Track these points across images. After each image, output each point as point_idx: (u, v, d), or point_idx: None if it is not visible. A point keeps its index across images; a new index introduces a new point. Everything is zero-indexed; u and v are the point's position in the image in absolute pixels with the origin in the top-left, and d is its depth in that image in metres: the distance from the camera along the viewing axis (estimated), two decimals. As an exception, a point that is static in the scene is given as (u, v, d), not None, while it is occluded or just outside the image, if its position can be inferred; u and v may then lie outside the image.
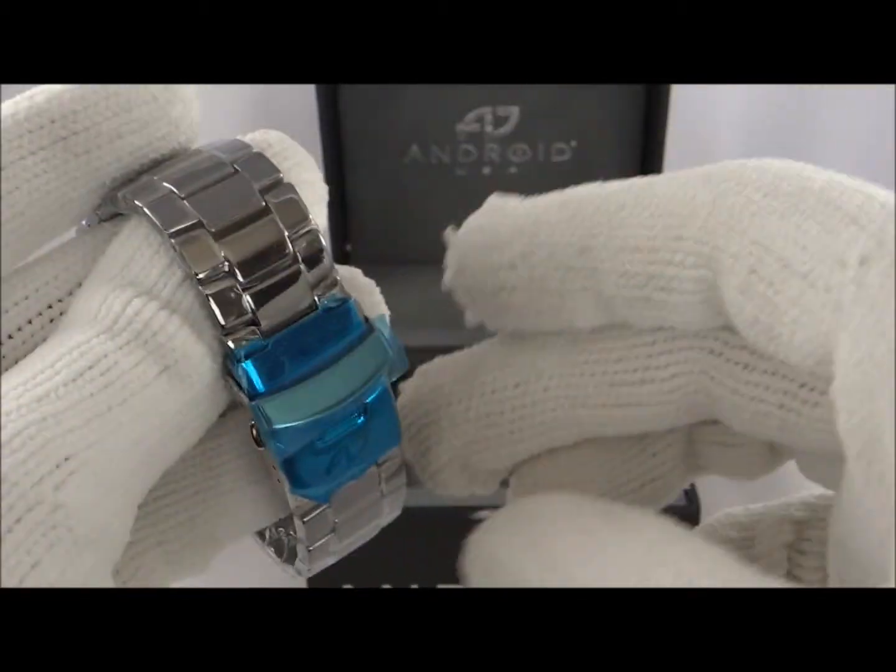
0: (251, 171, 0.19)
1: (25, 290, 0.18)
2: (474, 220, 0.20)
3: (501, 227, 0.19)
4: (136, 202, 0.18)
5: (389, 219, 0.67)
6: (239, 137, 0.20)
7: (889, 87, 0.68)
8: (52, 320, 0.18)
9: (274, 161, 0.19)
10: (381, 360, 0.19)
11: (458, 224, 0.22)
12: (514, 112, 0.67)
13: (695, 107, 0.72)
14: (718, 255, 0.16)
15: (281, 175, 0.19)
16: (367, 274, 0.21)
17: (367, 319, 0.19)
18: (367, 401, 0.19)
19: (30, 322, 0.18)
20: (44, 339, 0.17)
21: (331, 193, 0.20)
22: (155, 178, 0.18)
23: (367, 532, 0.21)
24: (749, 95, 0.75)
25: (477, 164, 0.68)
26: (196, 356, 0.17)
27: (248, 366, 0.18)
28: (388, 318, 0.20)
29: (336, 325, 0.18)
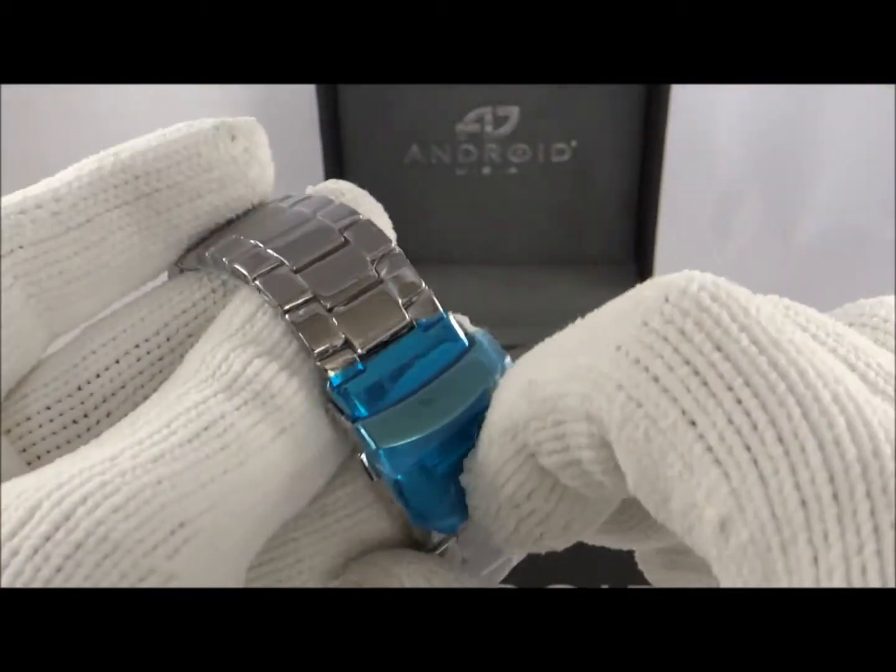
0: (362, 241, 0.18)
1: (111, 333, 0.18)
2: None
3: (480, 496, 0.18)
4: (243, 270, 0.18)
5: (389, 218, 0.67)
6: (312, 190, 0.20)
7: (889, 87, 0.68)
8: (138, 359, 0.18)
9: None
10: (486, 375, 0.18)
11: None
12: (514, 112, 0.67)
13: (695, 107, 0.72)
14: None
15: (392, 245, 0.19)
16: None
17: (467, 334, 0.18)
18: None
19: (117, 362, 0.18)
20: (131, 378, 0.18)
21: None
22: (241, 237, 0.18)
23: (499, 568, 0.20)
24: (749, 95, 0.75)
25: (477, 164, 0.68)
26: (312, 418, 0.17)
27: (349, 389, 0.17)
28: (488, 333, 0.19)
29: (434, 341, 0.18)
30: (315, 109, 0.64)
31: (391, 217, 0.21)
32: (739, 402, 0.13)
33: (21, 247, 0.17)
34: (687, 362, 0.14)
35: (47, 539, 0.14)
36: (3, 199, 0.17)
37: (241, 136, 0.19)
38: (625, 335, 0.15)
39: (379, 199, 0.21)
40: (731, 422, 0.13)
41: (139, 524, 0.14)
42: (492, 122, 0.67)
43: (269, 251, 0.18)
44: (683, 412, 0.14)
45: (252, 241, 0.18)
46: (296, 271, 0.18)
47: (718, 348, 0.14)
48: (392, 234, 0.20)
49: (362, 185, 0.20)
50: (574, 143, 0.68)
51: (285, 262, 0.18)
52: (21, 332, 0.17)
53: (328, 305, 0.17)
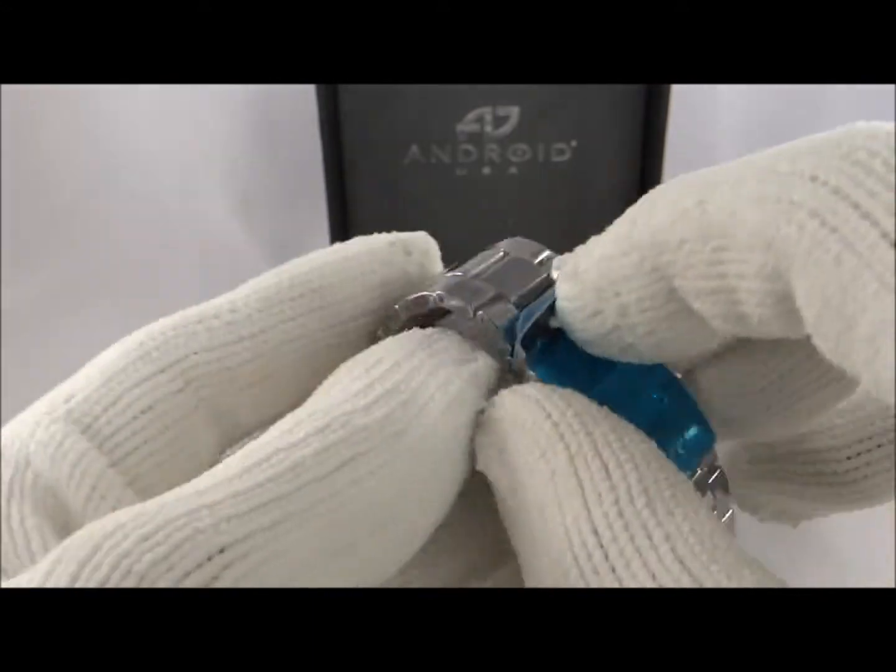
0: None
1: None
2: (561, 292, 0.19)
3: (584, 299, 0.18)
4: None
5: (389, 219, 0.67)
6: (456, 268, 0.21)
7: (889, 87, 0.68)
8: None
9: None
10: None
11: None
12: (514, 112, 0.67)
13: (695, 107, 0.72)
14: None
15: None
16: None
17: None
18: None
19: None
20: None
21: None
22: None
23: None
24: (749, 95, 0.75)
25: (477, 164, 0.68)
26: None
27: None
28: None
29: None
30: (315, 109, 0.64)
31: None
32: None
33: (195, 353, 0.18)
34: (889, 187, 0.14)
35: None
36: (182, 311, 0.18)
37: (416, 252, 0.20)
38: (823, 166, 0.15)
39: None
40: None
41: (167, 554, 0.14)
42: (492, 122, 0.67)
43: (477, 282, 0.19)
44: (884, 234, 0.14)
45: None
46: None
47: None
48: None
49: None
50: (574, 143, 0.68)
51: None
52: (189, 432, 0.18)
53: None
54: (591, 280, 0.18)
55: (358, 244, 0.20)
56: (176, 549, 0.14)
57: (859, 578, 0.62)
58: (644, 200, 0.18)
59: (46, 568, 0.13)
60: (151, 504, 0.14)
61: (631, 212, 0.18)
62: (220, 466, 0.15)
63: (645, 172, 0.72)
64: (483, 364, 0.18)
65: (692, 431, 0.19)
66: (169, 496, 0.15)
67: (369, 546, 0.16)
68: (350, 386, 0.17)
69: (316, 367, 0.19)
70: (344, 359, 0.18)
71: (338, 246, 0.20)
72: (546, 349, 0.18)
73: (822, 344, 0.14)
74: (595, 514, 0.15)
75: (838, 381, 0.20)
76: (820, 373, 0.20)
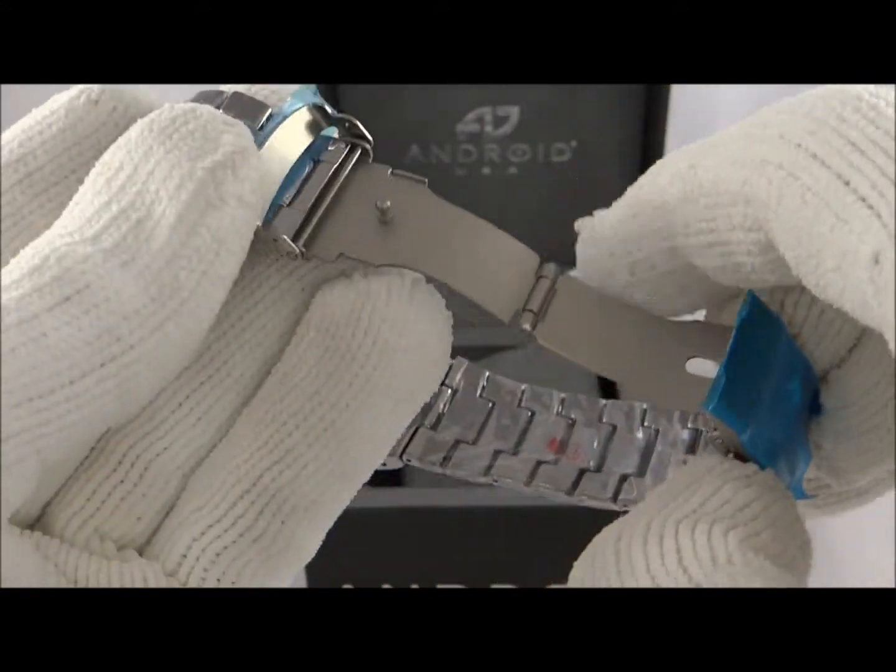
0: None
1: None
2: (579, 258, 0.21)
3: (599, 259, 0.20)
4: None
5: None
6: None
7: (889, 88, 0.68)
8: None
9: None
10: None
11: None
12: (514, 112, 0.67)
13: (695, 107, 0.72)
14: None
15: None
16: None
17: None
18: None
19: None
20: None
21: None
22: None
23: None
24: (749, 95, 0.75)
25: (477, 164, 0.68)
26: None
27: None
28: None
29: None
30: (315, 109, 0.64)
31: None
32: (890, 157, 0.15)
33: None
34: (842, 136, 0.16)
35: None
36: None
37: (103, 101, 0.19)
38: (788, 125, 0.16)
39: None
40: (883, 174, 0.15)
41: None
42: (492, 122, 0.67)
43: None
44: (838, 175, 0.15)
45: None
46: None
47: (874, 124, 0.16)
48: None
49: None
50: (574, 143, 0.68)
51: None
52: None
53: None
54: (605, 242, 0.20)
55: (47, 105, 0.19)
56: None
57: (859, 578, 0.62)
58: (651, 168, 0.20)
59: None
60: None
61: (640, 179, 0.20)
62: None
63: (645, 172, 0.72)
64: (230, 147, 0.17)
65: None
66: None
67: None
68: (87, 206, 0.17)
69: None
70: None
71: (33, 111, 0.19)
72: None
73: (807, 283, 0.16)
74: None
75: None
76: None
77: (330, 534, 0.20)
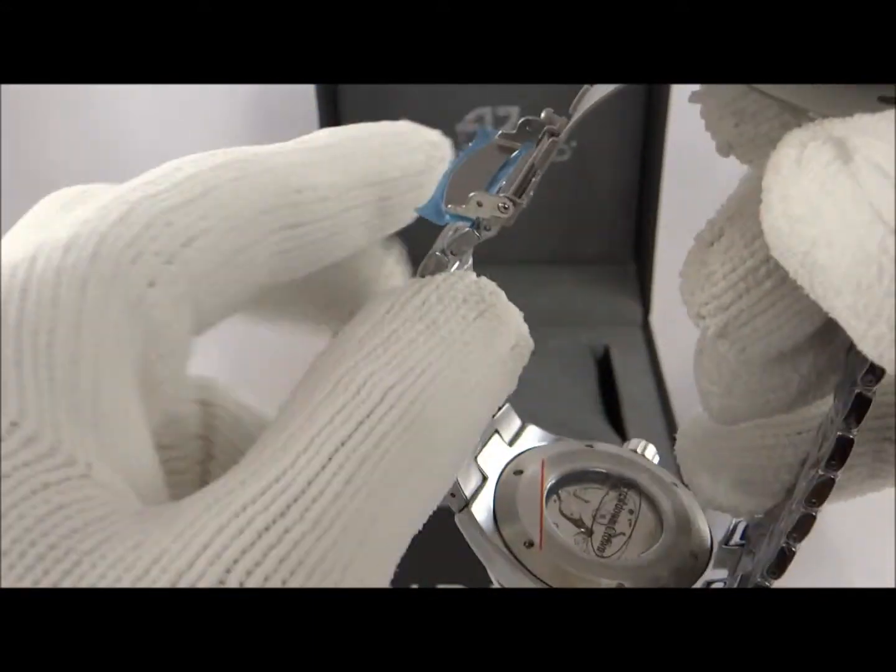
0: None
1: None
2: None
3: None
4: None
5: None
6: None
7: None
8: None
9: None
10: None
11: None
12: (514, 112, 0.67)
13: (695, 107, 0.72)
14: None
15: None
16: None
17: None
18: None
19: None
20: None
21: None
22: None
23: None
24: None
25: (477, 164, 0.68)
26: None
27: None
28: None
29: None
30: (315, 109, 0.64)
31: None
32: None
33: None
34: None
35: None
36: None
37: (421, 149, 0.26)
38: None
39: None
40: None
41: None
42: (492, 122, 0.67)
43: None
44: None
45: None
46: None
47: None
48: None
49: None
50: (574, 143, 0.68)
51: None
52: None
53: None
54: None
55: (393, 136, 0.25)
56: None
57: (859, 578, 0.62)
58: None
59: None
60: None
61: None
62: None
63: (645, 172, 0.72)
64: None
65: None
66: None
67: None
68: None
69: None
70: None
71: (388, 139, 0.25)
72: None
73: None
74: None
75: None
76: None
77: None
